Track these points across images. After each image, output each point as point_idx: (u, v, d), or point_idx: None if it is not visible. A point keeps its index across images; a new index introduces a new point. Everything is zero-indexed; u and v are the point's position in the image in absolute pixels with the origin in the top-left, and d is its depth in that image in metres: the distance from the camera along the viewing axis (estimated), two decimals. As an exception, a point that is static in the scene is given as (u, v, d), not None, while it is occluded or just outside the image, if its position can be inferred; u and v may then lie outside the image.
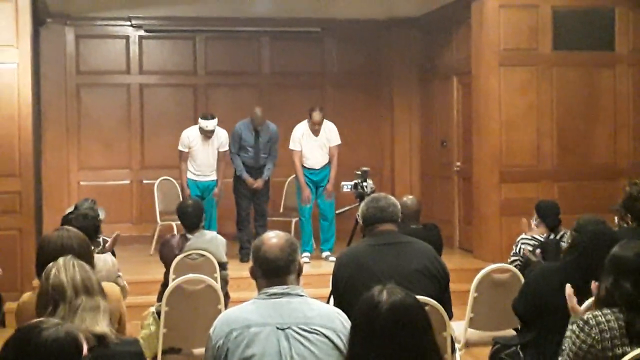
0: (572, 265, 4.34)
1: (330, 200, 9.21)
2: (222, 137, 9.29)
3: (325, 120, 9.27)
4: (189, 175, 9.27)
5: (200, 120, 9.20)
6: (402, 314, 2.69)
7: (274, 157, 9.35)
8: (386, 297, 2.72)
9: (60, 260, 3.13)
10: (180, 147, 9.29)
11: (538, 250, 5.89)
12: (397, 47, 11.30)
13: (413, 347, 2.69)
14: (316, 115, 9.06)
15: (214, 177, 9.32)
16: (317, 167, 9.25)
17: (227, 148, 9.27)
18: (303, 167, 9.21)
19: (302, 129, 9.24)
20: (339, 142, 9.30)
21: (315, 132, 9.18)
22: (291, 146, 9.23)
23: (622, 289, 3.47)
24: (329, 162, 9.25)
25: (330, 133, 9.25)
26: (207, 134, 9.16)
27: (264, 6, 10.67)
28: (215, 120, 9.12)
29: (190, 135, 9.26)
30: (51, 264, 3.13)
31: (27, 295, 3.76)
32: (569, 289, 3.82)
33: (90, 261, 3.58)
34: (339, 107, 11.11)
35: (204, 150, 9.25)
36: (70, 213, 5.79)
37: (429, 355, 2.73)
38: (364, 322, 2.75)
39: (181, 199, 9.10)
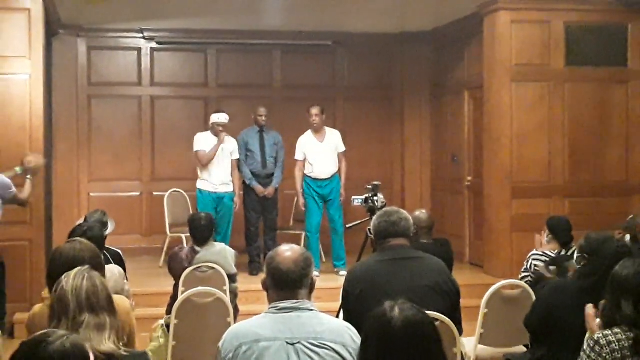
0: (587, 284, 4.29)
1: (342, 204, 9.13)
2: (233, 145, 9.16)
3: (328, 128, 9.32)
4: (205, 187, 9.03)
5: (212, 115, 9.09)
6: (414, 330, 2.68)
7: (282, 165, 9.30)
8: (398, 313, 2.70)
9: (73, 271, 3.11)
10: (196, 148, 9.04)
11: (553, 267, 5.84)
12: (409, 61, 11.30)
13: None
14: (313, 110, 9.09)
15: (230, 188, 9.13)
16: (323, 177, 9.14)
17: (238, 156, 9.19)
18: (309, 177, 9.14)
19: (305, 137, 9.23)
20: (344, 148, 9.30)
21: (316, 130, 9.13)
22: (295, 156, 9.22)
23: (623, 309, 3.44)
24: (338, 172, 9.22)
25: (336, 139, 9.25)
26: (219, 129, 8.98)
27: (276, 19, 10.68)
28: (227, 116, 9.09)
29: (203, 139, 9.09)
30: (65, 274, 3.11)
31: (38, 307, 3.76)
32: (590, 309, 3.77)
33: (101, 274, 3.57)
34: (350, 120, 11.11)
35: (218, 159, 9.05)
36: (79, 225, 5.80)
37: None
38: (376, 338, 2.73)
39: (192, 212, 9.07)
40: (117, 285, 5.49)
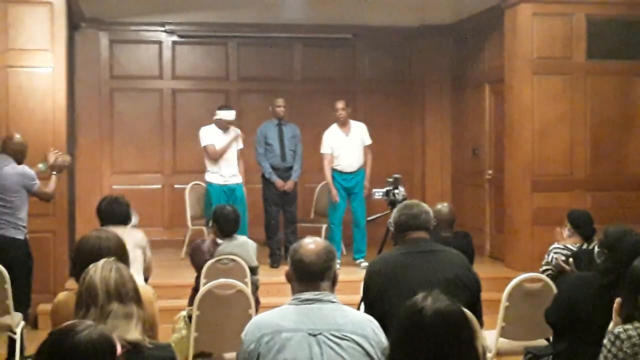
0: (608, 279, 4.27)
1: (366, 198, 9.11)
2: (238, 134, 9.17)
3: (354, 121, 9.34)
4: (215, 180, 9.04)
5: (218, 111, 9.09)
6: (445, 321, 2.67)
7: (300, 158, 9.32)
8: (430, 303, 2.71)
9: (100, 262, 3.15)
10: (206, 143, 9.06)
11: (571, 260, 5.84)
12: (429, 54, 11.28)
13: (456, 354, 2.67)
14: (338, 104, 9.14)
15: (239, 179, 9.16)
16: (349, 170, 9.20)
17: (242, 146, 9.20)
18: (335, 170, 9.19)
19: (331, 131, 9.27)
20: (370, 141, 9.32)
21: (342, 124, 9.17)
22: (321, 150, 9.24)
23: (638, 303, 3.43)
24: (363, 166, 9.25)
25: (362, 133, 9.29)
26: (227, 125, 9.04)
27: (296, 13, 10.69)
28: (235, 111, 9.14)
29: (209, 133, 9.10)
30: (91, 265, 3.15)
31: (63, 295, 3.81)
32: (617, 303, 3.75)
33: (126, 263, 3.62)
34: (370, 113, 11.10)
35: (228, 151, 9.09)
36: (102, 200, 6.06)
37: None
38: (406, 328, 2.73)
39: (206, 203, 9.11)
40: (139, 243, 5.72)
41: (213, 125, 9.14)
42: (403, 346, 2.73)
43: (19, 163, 6.89)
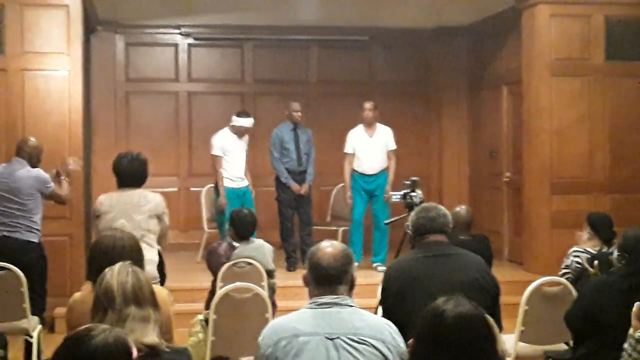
0: (630, 283, 4.23)
1: (387, 201, 9.08)
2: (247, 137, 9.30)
3: (380, 125, 9.34)
4: (228, 183, 9.08)
5: (237, 118, 9.11)
6: (465, 325, 2.65)
7: (314, 161, 9.33)
8: (451, 307, 2.68)
9: (116, 266, 3.15)
10: (215, 152, 9.14)
11: (596, 262, 5.77)
12: (446, 56, 11.24)
13: (475, 357, 2.64)
14: (366, 104, 9.19)
15: (246, 182, 9.25)
16: (370, 173, 9.20)
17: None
18: (356, 172, 9.20)
19: (355, 131, 9.30)
20: (395, 146, 9.32)
21: (368, 125, 9.19)
22: (344, 149, 9.28)
23: None
24: (387, 169, 9.24)
25: (387, 136, 9.28)
26: (243, 133, 9.11)
27: (311, 14, 10.68)
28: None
29: (224, 139, 9.16)
30: (107, 269, 3.15)
31: (78, 295, 3.82)
32: (637, 307, 3.71)
33: (140, 261, 3.69)
34: (387, 116, 11.00)
35: (239, 155, 9.17)
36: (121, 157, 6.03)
37: None
38: (427, 331, 2.71)
39: (217, 208, 9.13)
40: (157, 208, 5.72)
41: (227, 130, 9.16)
42: (424, 350, 2.70)
43: (34, 166, 6.91)
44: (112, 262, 3.27)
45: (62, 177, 7.10)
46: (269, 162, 9.38)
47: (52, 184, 6.90)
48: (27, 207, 6.78)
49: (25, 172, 6.82)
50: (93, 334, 2.36)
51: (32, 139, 7.07)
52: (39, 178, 6.85)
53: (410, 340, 2.83)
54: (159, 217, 5.85)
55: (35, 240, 6.84)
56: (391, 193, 6.92)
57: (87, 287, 3.70)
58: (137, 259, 3.67)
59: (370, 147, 9.19)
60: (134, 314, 3.00)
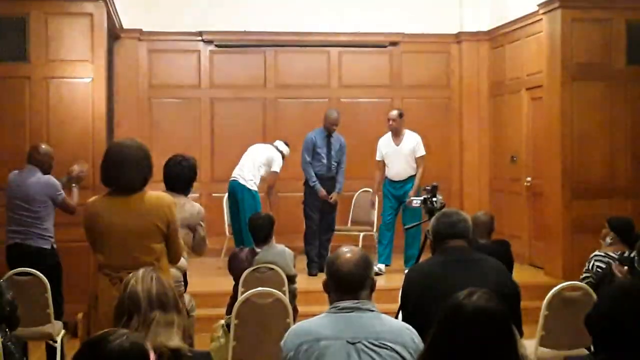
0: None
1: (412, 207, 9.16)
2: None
3: (409, 131, 9.45)
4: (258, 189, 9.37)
5: (287, 150, 9.58)
6: (484, 318, 2.66)
7: (344, 170, 9.39)
8: (473, 300, 2.70)
9: (140, 271, 3.20)
10: (278, 170, 9.52)
11: (626, 268, 5.74)
12: (467, 60, 11.25)
13: (495, 353, 2.64)
14: (390, 114, 9.34)
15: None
16: (396, 179, 9.35)
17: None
18: (387, 177, 9.42)
19: (384, 139, 9.46)
20: (423, 152, 9.39)
21: (394, 133, 9.32)
22: (376, 157, 9.51)
23: None
24: (414, 176, 9.34)
25: (413, 143, 9.35)
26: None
27: (333, 20, 10.72)
28: None
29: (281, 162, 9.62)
30: (131, 274, 3.20)
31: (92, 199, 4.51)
32: None
33: (148, 167, 4.34)
34: (408, 121, 11.04)
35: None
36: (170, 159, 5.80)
37: None
38: (445, 321, 2.72)
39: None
40: (193, 219, 5.54)
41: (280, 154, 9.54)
42: (442, 341, 2.71)
43: (45, 173, 6.88)
44: (117, 169, 4.24)
45: (73, 185, 7.08)
46: (298, 167, 9.53)
47: (62, 192, 6.86)
48: (38, 214, 6.76)
49: (36, 179, 6.80)
50: (110, 339, 2.38)
51: (44, 145, 7.06)
52: (50, 185, 6.82)
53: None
54: (192, 228, 5.59)
55: (48, 247, 6.82)
56: (412, 198, 6.93)
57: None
58: (143, 164, 4.33)
59: (396, 154, 9.32)
60: (159, 318, 3.04)
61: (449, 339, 2.68)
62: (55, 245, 6.93)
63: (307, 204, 9.33)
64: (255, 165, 9.35)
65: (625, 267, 5.75)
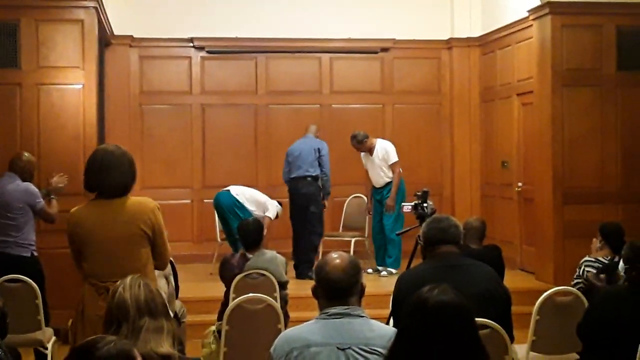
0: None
1: (390, 213, 9.42)
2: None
3: (380, 140, 9.63)
4: None
5: (280, 209, 9.67)
6: (446, 312, 2.68)
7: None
8: (434, 294, 2.72)
9: (127, 279, 3.18)
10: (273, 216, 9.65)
11: (602, 275, 5.77)
12: (458, 66, 11.27)
13: (459, 345, 2.67)
14: (351, 141, 9.55)
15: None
16: (377, 187, 9.66)
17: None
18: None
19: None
20: (394, 159, 9.49)
21: (363, 151, 9.65)
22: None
23: None
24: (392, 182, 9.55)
25: (382, 152, 9.52)
26: None
27: (325, 26, 10.73)
28: None
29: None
30: (118, 282, 3.19)
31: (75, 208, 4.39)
32: None
33: (132, 173, 4.37)
34: (399, 126, 11.11)
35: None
36: None
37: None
38: (409, 316, 2.76)
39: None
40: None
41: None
42: (408, 334, 2.74)
43: (25, 181, 6.83)
44: (102, 174, 4.23)
45: (52, 197, 6.99)
46: (281, 175, 9.64)
47: (41, 200, 6.81)
48: (17, 221, 6.70)
49: (14, 185, 6.75)
50: (98, 347, 2.37)
51: (26, 154, 7.03)
52: (28, 192, 6.77)
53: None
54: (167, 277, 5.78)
55: (28, 254, 6.75)
56: (403, 204, 6.95)
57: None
58: (126, 169, 4.34)
59: (371, 164, 9.60)
60: (148, 325, 3.04)
61: (414, 332, 2.71)
62: (36, 253, 6.85)
63: (320, 213, 9.45)
64: (251, 199, 9.46)
65: (602, 275, 5.76)
